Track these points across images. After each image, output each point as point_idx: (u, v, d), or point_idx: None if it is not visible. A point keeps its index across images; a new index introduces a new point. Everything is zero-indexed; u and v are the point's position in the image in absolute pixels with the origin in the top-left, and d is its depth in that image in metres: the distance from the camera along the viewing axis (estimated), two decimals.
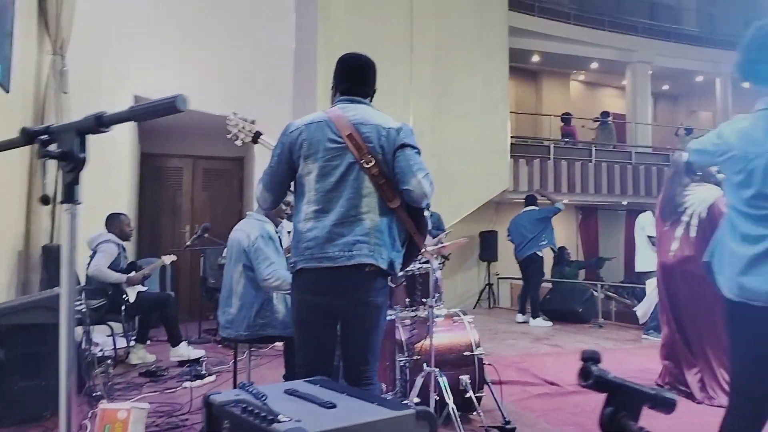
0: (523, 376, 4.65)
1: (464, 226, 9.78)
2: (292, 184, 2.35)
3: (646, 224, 6.56)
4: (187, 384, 4.00)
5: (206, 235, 5.36)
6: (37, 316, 3.27)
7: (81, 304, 3.68)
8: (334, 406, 1.50)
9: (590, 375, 0.89)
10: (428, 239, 6.63)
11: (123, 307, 4.60)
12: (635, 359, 5.47)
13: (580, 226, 12.64)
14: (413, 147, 2.25)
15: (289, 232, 3.39)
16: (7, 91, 4.28)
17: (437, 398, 3.03)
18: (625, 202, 11.79)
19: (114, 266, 4.66)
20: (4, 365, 3.15)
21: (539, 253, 7.80)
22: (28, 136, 1.14)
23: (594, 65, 13.72)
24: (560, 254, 9.92)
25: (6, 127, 4.02)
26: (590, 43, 12.41)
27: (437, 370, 3.05)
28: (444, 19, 9.23)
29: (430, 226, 7.12)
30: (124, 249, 4.86)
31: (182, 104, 1.07)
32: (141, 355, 4.82)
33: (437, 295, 3.38)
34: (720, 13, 15.20)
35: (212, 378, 4.23)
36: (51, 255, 4.68)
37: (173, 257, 5.13)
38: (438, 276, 3.14)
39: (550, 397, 4.03)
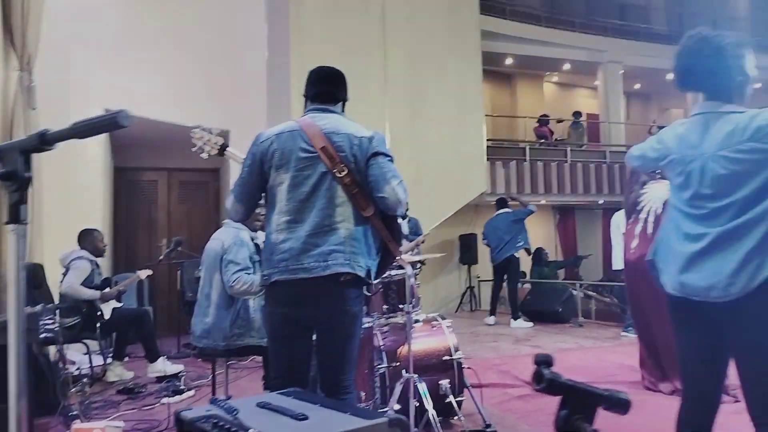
0: (503, 379, 4.68)
1: (443, 229, 9.81)
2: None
3: (620, 222, 6.63)
4: (165, 400, 3.95)
5: (179, 248, 5.31)
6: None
7: (53, 323, 3.61)
8: (306, 418, 1.49)
9: (543, 378, 0.90)
10: (406, 244, 6.65)
11: (98, 324, 4.53)
12: (614, 357, 5.52)
13: (558, 226, 12.75)
14: (386, 155, 2.26)
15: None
16: None
17: (417, 404, 3.02)
18: (601, 201, 11.93)
19: (87, 283, 4.59)
20: None
21: (516, 254, 7.91)
22: None
23: (566, 66, 13.88)
24: (538, 255, 10.01)
25: None
26: (562, 44, 12.56)
27: (416, 376, 3.05)
28: (416, 25, 9.27)
29: (407, 231, 7.18)
30: (97, 265, 4.79)
31: (124, 120, 1.06)
32: (118, 373, 4.75)
33: (414, 300, 3.38)
34: (688, 12, 15.48)
35: (191, 393, 4.18)
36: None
37: (149, 272, 5.07)
38: (413, 282, 3.13)
39: (530, 398, 4.06)
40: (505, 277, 8.10)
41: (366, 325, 3.28)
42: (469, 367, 3.60)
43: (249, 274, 3.06)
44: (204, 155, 2.76)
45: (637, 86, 15.56)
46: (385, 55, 8.85)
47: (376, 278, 2.36)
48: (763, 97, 16.68)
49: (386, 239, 2.30)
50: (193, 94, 6.54)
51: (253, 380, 4.56)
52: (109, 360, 4.80)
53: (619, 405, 0.85)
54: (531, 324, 7.82)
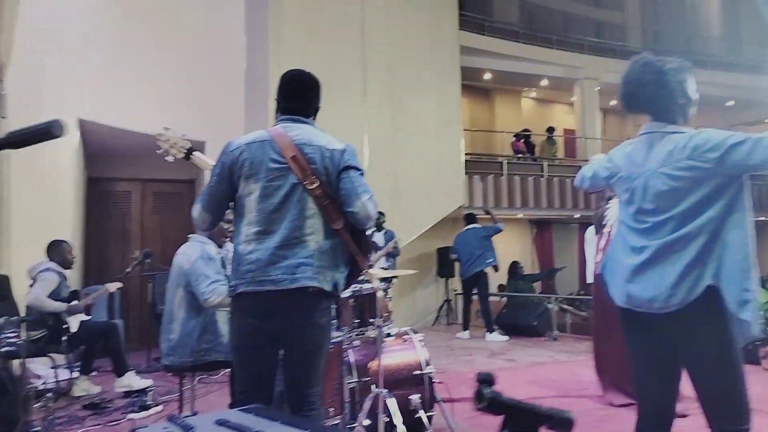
0: None
1: (421, 242, 9.82)
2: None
3: (593, 236, 6.71)
4: (131, 416, 3.87)
5: (148, 260, 5.22)
6: None
7: (17, 336, 3.53)
8: None
9: (483, 398, 0.89)
10: (378, 253, 6.61)
11: (64, 338, 4.43)
12: (588, 371, 5.51)
13: (535, 240, 12.84)
14: (357, 169, 2.25)
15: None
16: None
17: (387, 420, 3.00)
18: (577, 215, 12.04)
19: (55, 295, 4.49)
20: None
21: (485, 269, 8.01)
22: None
23: (544, 82, 14.05)
24: (514, 268, 10.07)
25: None
26: (539, 61, 12.72)
27: (385, 391, 3.02)
28: (396, 40, 9.34)
29: (383, 243, 7.16)
30: (65, 277, 4.69)
31: (59, 130, 1.04)
32: (85, 387, 4.64)
33: (386, 314, 3.36)
34: (663, 30, 15.85)
35: (159, 408, 4.10)
36: None
37: (118, 284, 4.98)
38: (379, 295, 3.12)
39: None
40: (474, 291, 8.18)
41: (336, 339, 3.26)
42: (440, 382, 3.58)
43: (223, 285, 3.02)
44: (169, 158, 2.73)
45: (613, 102, 15.77)
46: (364, 69, 8.89)
47: (343, 291, 2.35)
48: (736, 116, 17.08)
49: (354, 252, 2.28)
50: (169, 104, 6.47)
51: (223, 395, 4.49)
52: (75, 374, 4.69)
53: (562, 424, 0.84)
54: (507, 337, 7.84)
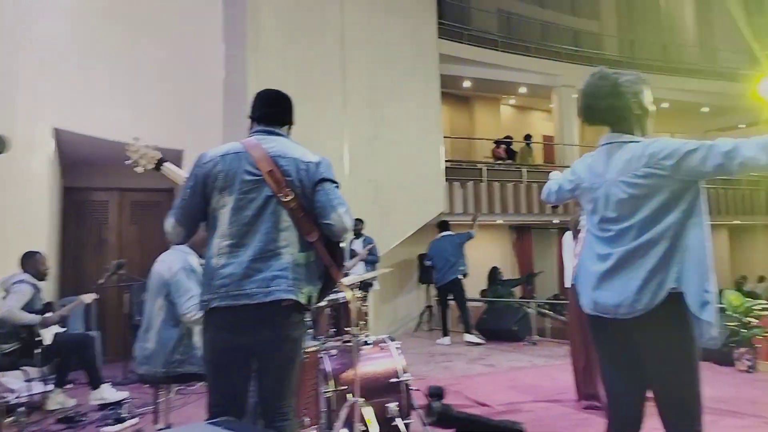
0: (455, 399, 4.67)
1: (403, 249, 9.84)
2: None
3: (571, 242, 6.79)
4: (106, 428, 3.82)
5: (121, 271, 5.16)
6: None
7: None
8: None
9: (433, 412, 0.90)
10: (360, 265, 6.62)
11: (37, 350, 4.37)
12: (566, 375, 5.56)
13: (515, 245, 12.93)
14: (333, 181, 2.26)
15: None
16: None
17: (363, 428, 3.00)
18: (556, 221, 12.16)
19: (29, 307, 4.43)
20: None
21: (460, 276, 8.11)
22: None
23: (522, 90, 14.21)
24: (493, 274, 10.14)
25: None
26: (517, 68, 12.87)
27: (361, 399, 3.03)
28: (375, 47, 9.38)
29: (366, 254, 7.16)
30: (39, 289, 4.63)
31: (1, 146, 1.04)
32: (60, 400, 4.57)
33: (362, 323, 3.37)
34: (639, 38, 16.11)
35: (135, 421, 4.05)
36: None
37: (94, 296, 4.93)
38: (354, 304, 3.13)
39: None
40: (450, 297, 8.29)
41: (311, 349, 3.26)
42: (417, 389, 3.59)
43: None
44: (139, 169, 2.72)
45: None
46: (344, 76, 8.91)
47: (317, 303, 2.36)
48: (710, 122, 17.36)
49: (329, 265, 2.29)
50: (146, 113, 6.43)
51: (200, 406, 4.44)
52: (50, 387, 4.62)
53: None
54: (484, 340, 7.90)
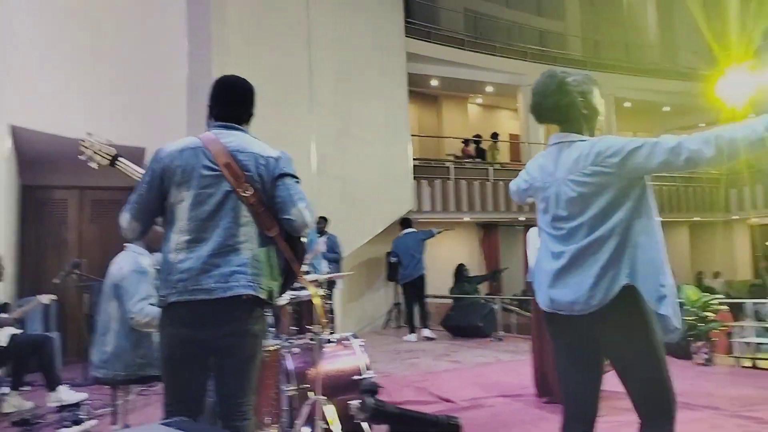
0: (419, 395, 4.72)
1: (371, 247, 9.87)
2: None
3: (535, 238, 6.91)
4: (64, 431, 3.75)
5: (77, 270, 5.05)
6: None
7: None
8: None
9: (366, 408, 0.90)
10: (323, 263, 6.60)
11: None
12: (530, 370, 5.67)
13: (482, 242, 13.07)
14: (293, 176, 2.24)
15: None
16: None
17: (325, 427, 3.00)
18: (522, 218, 12.33)
19: None
20: None
21: (425, 272, 8.30)
22: None
23: (489, 89, 14.35)
24: (459, 271, 10.24)
25: None
26: (484, 68, 12.98)
27: (323, 397, 3.03)
28: (342, 46, 9.36)
29: (324, 249, 7.18)
30: None
31: None
32: (16, 403, 4.46)
33: (325, 321, 3.37)
34: (603, 39, 16.41)
35: (93, 423, 3.98)
36: None
37: (51, 296, 4.81)
38: (317, 301, 3.12)
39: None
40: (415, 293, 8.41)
41: (273, 347, 3.24)
42: (382, 386, 3.61)
43: (153, 305, 2.96)
44: (93, 165, 2.67)
45: None
46: (311, 75, 8.87)
47: (277, 299, 2.35)
48: (671, 121, 17.79)
49: (290, 259, 2.28)
50: (108, 111, 6.30)
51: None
52: (5, 390, 4.50)
53: (449, 430, 0.87)
54: (435, 337, 8.19)
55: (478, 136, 13.28)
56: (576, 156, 1.98)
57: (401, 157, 10.27)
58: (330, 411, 3.02)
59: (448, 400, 4.53)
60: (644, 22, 17.98)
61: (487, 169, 12.18)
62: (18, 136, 6.12)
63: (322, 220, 7.36)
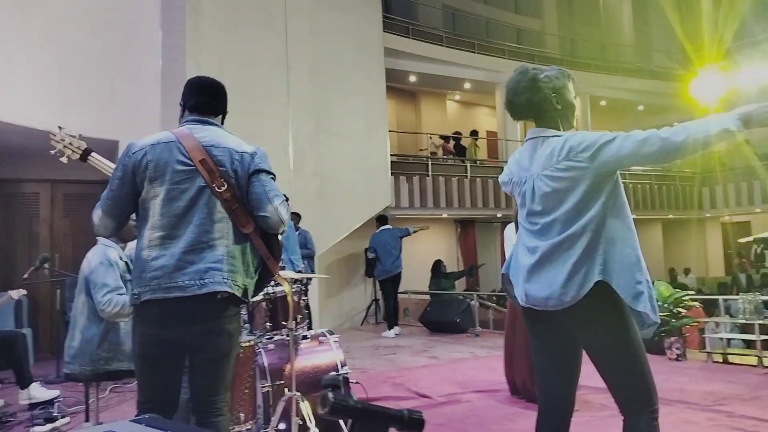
0: (396, 391, 4.74)
1: (348, 243, 9.85)
2: None
3: (512, 234, 6.95)
4: (36, 429, 3.68)
5: (47, 265, 4.96)
6: None
7: None
8: None
9: (327, 402, 0.89)
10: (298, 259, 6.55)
11: None
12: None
13: (459, 238, 13.14)
14: (269, 172, 2.23)
15: None
16: None
17: (300, 423, 3.00)
18: (499, 215, 12.42)
19: None
20: None
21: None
22: None
23: (467, 86, 14.41)
24: (437, 267, 10.28)
25: None
26: (462, 64, 13.02)
27: (298, 394, 3.02)
28: (320, 40, 9.30)
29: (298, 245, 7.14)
30: None
31: None
32: None
33: (300, 317, 3.36)
34: (579, 37, 16.58)
35: (66, 420, 3.92)
36: None
37: (22, 291, 4.71)
38: (297, 298, 3.12)
39: (421, 410, 4.13)
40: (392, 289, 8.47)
41: (247, 344, 3.23)
42: (356, 382, 3.62)
43: (121, 294, 2.92)
44: (64, 159, 2.63)
45: None
46: (288, 69, 8.80)
47: (253, 296, 2.33)
48: (646, 120, 18.05)
49: (265, 257, 2.26)
50: (80, 102, 6.18)
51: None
52: None
53: (413, 425, 0.87)
54: (400, 333, 8.36)
55: (457, 133, 13.35)
56: (549, 151, 1.99)
57: (379, 152, 10.26)
58: (306, 407, 3.02)
59: (424, 396, 4.55)
60: (620, 22, 18.22)
61: (465, 165, 12.24)
62: None
63: (296, 216, 7.35)
